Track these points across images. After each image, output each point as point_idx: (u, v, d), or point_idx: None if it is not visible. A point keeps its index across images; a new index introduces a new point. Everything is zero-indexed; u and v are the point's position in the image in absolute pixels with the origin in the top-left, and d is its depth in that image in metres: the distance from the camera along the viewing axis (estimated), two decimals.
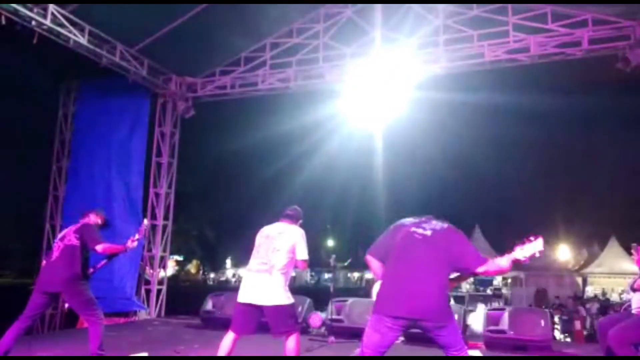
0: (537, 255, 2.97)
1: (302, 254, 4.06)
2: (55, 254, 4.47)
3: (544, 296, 19.39)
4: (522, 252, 2.97)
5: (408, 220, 3.23)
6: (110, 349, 4.50)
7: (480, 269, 2.95)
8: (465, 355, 2.91)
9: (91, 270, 4.69)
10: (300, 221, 4.30)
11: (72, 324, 9.01)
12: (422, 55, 9.25)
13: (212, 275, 48.26)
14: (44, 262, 4.70)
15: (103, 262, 4.86)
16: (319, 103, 11.14)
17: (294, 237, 4.06)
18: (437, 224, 3.11)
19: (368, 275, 31.84)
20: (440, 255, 2.96)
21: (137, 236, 4.70)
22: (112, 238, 4.84)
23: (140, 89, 10.11)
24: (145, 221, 4.94)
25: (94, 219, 4.84)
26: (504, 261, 2.98)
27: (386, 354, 2.97)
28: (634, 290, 4.80)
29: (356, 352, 3.02)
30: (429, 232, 3.04)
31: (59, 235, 4.70)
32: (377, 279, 3.25)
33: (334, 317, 6.94)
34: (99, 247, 4.49)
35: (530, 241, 2.98)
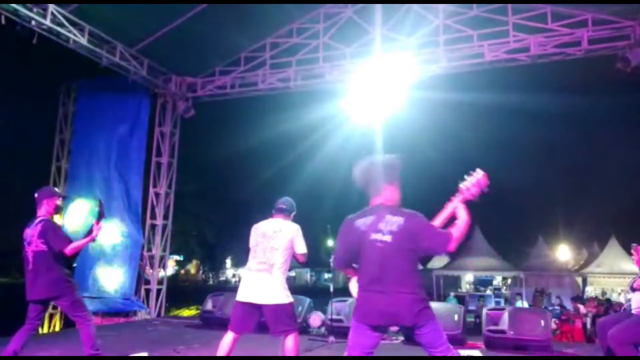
0: (485, 188, 2.92)
1: (301, 248, 4.11)
2: (30, 262, 4.24)
3: (544, 296, 19.38)
4: (468, 190, 2.93)
5: (361, 220, 2.98)
6: (111, 349, 4.49)
7: (451, 247, 2.85)
8: (450, 355, 2.84)
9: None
10: (294, 213, 4.31)
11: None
12: (422, 55, 9.25)
13: (211, 275, 48.30)
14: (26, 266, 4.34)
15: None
16: (319, 103, 11.14)
17: (290, 234, 4.09)
18: (393, 220, 2.88)
19: None
20: (407, 256, 2.86)
21: (96, 227, 4.35)
22: None
23: (140, 89, 10.11)
24: (101, 200, 4.57)
25: (49, 205, 4.38)
26: (461, 214, 2.91)
27: (386, 354, 2.98)
28: (633, 290, 4.80)
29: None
30: (388, 238, 2.85)
31: (26, 238, 4.29)
32: (353, 277, 3.25)
33: (334, 317, 6.93)
34: (67, 250, 4.22)
35: (472, 177, 2.94)
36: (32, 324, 4.32)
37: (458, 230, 2.88)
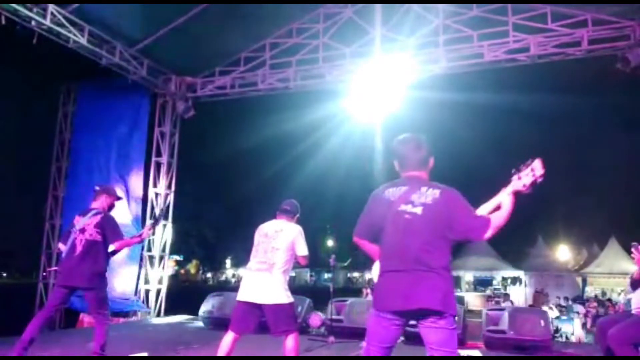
0: (540, 180, 2.49)
1: (302, 250, 4.10)
2: (79, 248, 4.30)
3: (544, 296, 19.38)
4: (521, 181, 2.52)
5: (391, 190, 2.70)
6: (110, 349, 4.49)
7: (487, 235, 2.51)
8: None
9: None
10: (298, 215, 4.29)
11: (72, 323, 9.01)
12: (422, 55, 9.25)
13: (210, 274, 48.33)
14: (61, 249, 4.46)
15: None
16: (319, 103, 11.16)
17: (292, 235, 4.08)
18: (428, 192, 2.60)
19: (368, 275, 31.80)
20: (437, 234, 2.52)
21: (147, 230, 4.62)
22: None
23: (140, 89, 10.11)
24: (163, 209, 4.84)
25: (107, 201, 4.56)
26: (505, 203, 2.54)
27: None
28: (632, 282, 4.76)
29: (361, 347, 2.91)
30: (419, 210, 2.55)
31: (78, 226, 4.37)
32: (375, 259, 2.92)
33: (334, 317, 6.94)
34: (116, 245, 4.34)
35: (527, 166, 2.52)
36: (49, 311, 4.34)
37: (498, 218, 2.52)
